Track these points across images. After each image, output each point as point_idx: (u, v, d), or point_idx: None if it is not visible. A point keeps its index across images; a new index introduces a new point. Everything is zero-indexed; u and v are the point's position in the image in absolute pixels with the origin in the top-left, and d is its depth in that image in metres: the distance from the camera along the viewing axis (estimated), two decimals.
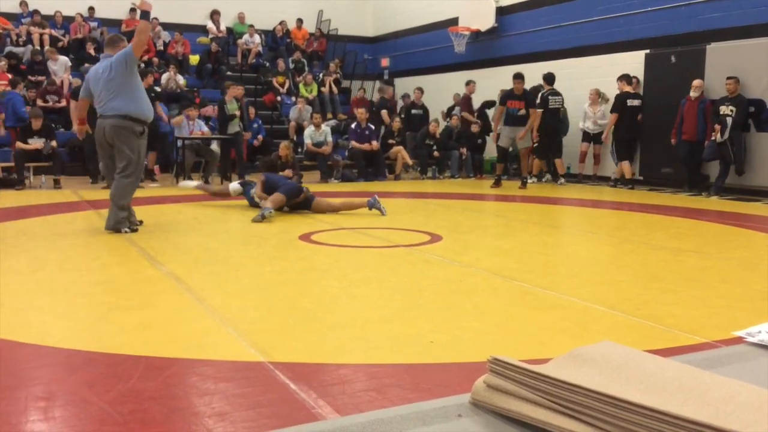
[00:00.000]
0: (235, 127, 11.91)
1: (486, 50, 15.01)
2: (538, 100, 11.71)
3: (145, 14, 6.32)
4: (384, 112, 14.63)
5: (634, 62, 11.68)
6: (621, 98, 11.29)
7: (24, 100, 12.39)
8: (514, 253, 5.63)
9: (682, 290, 4.31)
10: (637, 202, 9.37)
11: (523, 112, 11.07)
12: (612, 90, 11.76)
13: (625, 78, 11.36)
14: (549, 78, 12.08)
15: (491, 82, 13.82)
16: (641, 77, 11.61)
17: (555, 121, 11.95)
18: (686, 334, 3.33)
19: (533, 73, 12.93)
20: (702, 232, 6.90)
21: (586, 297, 4.05)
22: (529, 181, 11.68)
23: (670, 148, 10.70)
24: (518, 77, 11.11)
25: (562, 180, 12.15)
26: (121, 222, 6.32)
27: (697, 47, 10.70)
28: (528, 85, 11.76)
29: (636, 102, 11.35)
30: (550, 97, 11.84)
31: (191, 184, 8.96)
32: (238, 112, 12.00)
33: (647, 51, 11.54)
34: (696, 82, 10.31)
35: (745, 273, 4.87)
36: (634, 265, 5.22)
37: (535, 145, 11.88)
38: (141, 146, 6.43)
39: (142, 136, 6.39)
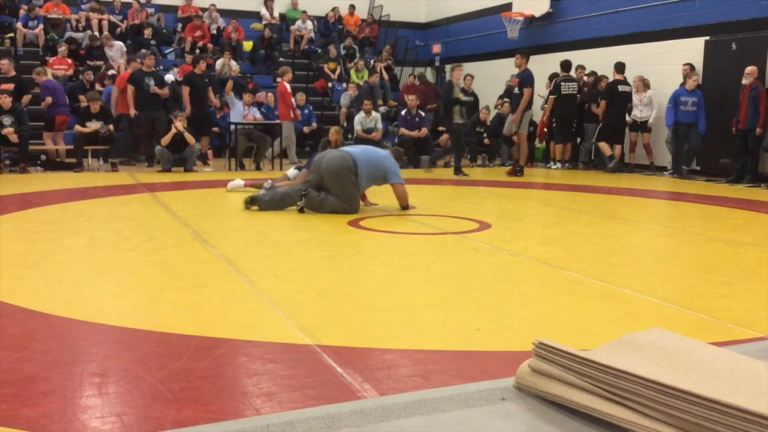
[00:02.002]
0: (457, 116, 10.76)
1: (540, 36, 14.78)
2: (551, 86, 12.07)
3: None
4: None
5: (693, 49, 11.36)
6: (612, 85, 11.68)
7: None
8: (564, 242, 5.56)
9: (738, 283, 4.19)
10: (693, 193, 9.14)
11: (517, 90, 11.04)
12: (669, 78, 11.50)
13: (617, 66, 11.75)
14: (564, 65, 12.30)
15: (545, 69, 13.58)
16: (700, 65, 11.29)
17: (570, 107, 12.16)
18: (741, 327, 3.24)
19: (588, 61, 12.72)
20: (761, 224, 6.70)
21: (639, 288, 3.97)
22: (553, 167, 12.09)
23: (729, 138, 10.41)
24: (518, 53, 11.06)
25: (558, 165, 12.59)
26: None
27: (759, 34, 10.34)
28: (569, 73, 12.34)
29: (626, 88, 11.76)
30: (562, 83, 12.02)
31: (239, 184, 8.48)
32: (463, 96, 10.96)
33: (707, 38, 11.20)
34: (749, 69, 10.01)
35: None
36: (689, 257, 5.10)
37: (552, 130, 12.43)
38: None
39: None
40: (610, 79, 12.13)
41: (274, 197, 6.79)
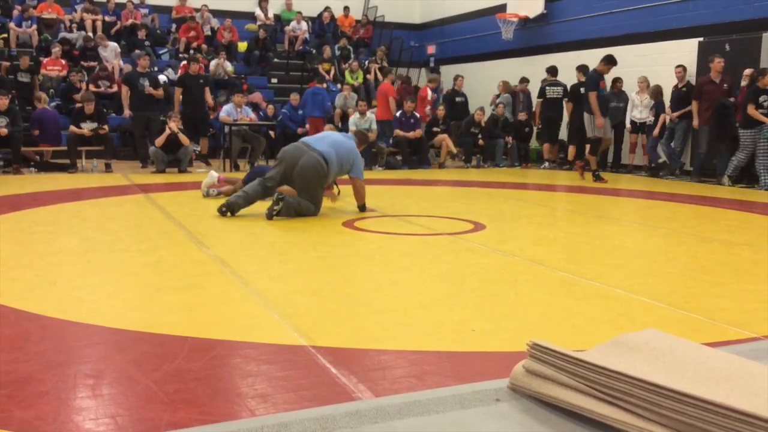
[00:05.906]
0: None
1: (534, 37, 14.81)
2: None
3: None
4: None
5: (686, 50, 11.39)
6: (575, 88, 11.60)
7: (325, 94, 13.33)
8: (559, 243, 5.57)
9: (733, 284, 4.20)
10: (688, 194, 9.16)
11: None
12: (663, 79, 11.53)
13: (580, 68, 11.76)
14: (551, 70, 12.70)
15: (540, 70, 13.62)
16: (694, 66, 11.31)
17: (556, 110, 12.59)
18: (736, 328, 3.25)
19: (582, 62, 12.73)
20: (755, 225, 6.72)
21: (633, 289, 3.98)
22: (541, 167, 12.53)
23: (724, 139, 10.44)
24: (609, 60, 10.22)
25: (546, 165, 12.99)
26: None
27: (752, 35, 10.37)
28: (562, 74, 12.75)
29: None
30: (547, 87, 12.49)
31: (212, 178, 8.10)
32: None
33: (701, 39, 11.23)
34: (747, 71, 10.06)
35: None
36: (684, 258, 5.11)
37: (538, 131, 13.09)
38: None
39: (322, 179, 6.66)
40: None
41: (247, 198, 6.62)
